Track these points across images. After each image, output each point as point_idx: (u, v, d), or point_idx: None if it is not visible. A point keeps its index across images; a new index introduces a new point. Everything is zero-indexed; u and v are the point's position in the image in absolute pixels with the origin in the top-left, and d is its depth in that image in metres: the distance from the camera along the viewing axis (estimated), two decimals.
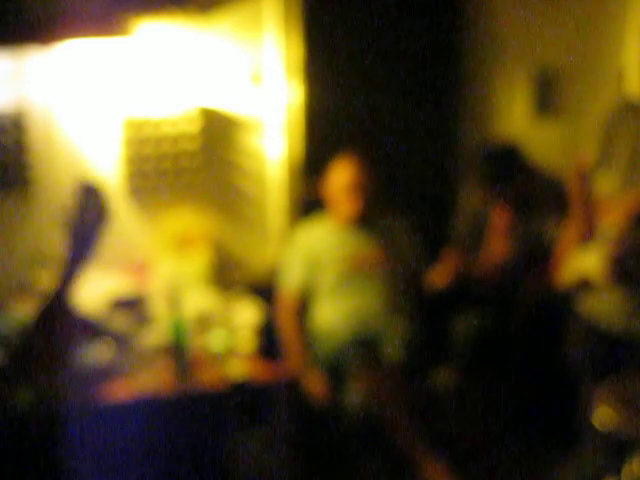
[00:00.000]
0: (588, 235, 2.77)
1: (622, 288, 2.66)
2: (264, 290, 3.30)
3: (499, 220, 3.42)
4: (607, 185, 2.73)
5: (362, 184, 3.23)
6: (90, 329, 2.83)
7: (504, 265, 3.37)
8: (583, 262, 2.78)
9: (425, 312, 3.33)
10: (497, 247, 3.41)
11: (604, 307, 2.71)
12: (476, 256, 3.45)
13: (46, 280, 3.15)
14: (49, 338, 2.00)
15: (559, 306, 2.95)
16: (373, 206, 3.29)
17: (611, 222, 2.68)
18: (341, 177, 3.24)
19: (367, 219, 3.30)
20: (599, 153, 2.76)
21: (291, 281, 3.27)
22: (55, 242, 3.28)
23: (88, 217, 1.97)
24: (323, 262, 3.28)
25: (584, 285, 2.78)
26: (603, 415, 2.29)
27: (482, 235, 3.47)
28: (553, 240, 3.32)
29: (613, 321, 2.69)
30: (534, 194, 3.41)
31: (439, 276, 3.30)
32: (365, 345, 3.09)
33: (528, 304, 3.27)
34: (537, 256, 3.32)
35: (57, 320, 1.98)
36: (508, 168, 3.36)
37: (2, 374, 2.17)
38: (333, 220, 3.31)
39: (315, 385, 3.09)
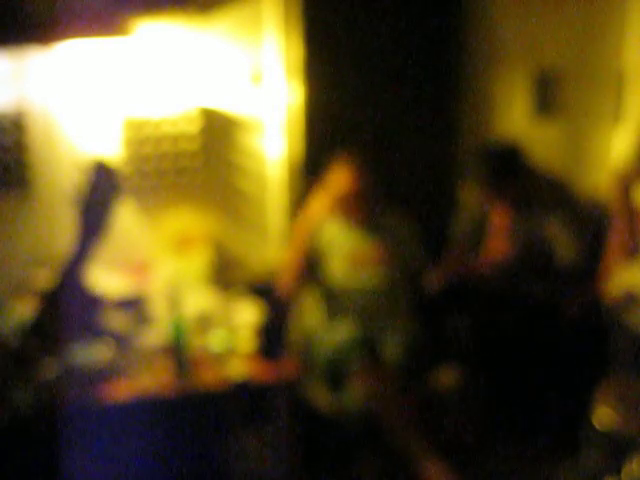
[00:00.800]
0: (634, 247, 2.73)
1: None
2: (264, 290, 3.31)
3: (499, 220, 3.42)
4: None
5: (364, 192, 3.23)
6: (97, 310, 2.81)
7: (504, 264, 3.37)
8: (630, 275, 2.75)
9: (425, 312, 3.33)
10: (497, 246, 3.41)
11: None
12: (476, 255, 3.45)
13: (46, 280, 3.16)
14: (58, 314, 2.01)
15: (605, 318, 2.90)
16: (374, 207, 3.29)
17: None
18: (342, 185, 3.23)
19: (368, 218, 3.30)
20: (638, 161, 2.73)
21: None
22: (55, 242, 3.30)
23: (100, 193, 1.97)
24: (324, 261, 3.28)
25: (631, 298, 2.75)
26: (603, 415, 2.29)
27: (482, 234, 3.47)
28: (553, 240, 3.33)
29: None
30: (534, 194, 3.41)
31: (439, 276, 3.30)
32: (365, 345, 3.09)
33: (574, 315, 3.23)
34: (536, 257, 3.32)
35: (66, 298, 1.99)
36: (508, 168, 3.36)
37: (2, 374, 2.18)
38: (333, 219, 3.31)
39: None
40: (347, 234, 3.31)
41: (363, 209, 3.27)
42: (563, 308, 3.25)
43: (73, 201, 1.94)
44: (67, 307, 1.93)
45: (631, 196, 2.74)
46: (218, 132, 3.47)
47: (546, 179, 3.55)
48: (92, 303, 2.67)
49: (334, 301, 3.27)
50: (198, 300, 3.11)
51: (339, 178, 3.24)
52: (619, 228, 2.78)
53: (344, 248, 3.28)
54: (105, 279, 3.17)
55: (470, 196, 3.57)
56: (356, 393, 2.98)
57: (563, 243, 3.31)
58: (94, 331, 2.82)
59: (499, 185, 3.35)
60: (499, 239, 3.40)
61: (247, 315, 3.05)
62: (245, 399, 2.79)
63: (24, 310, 2.94)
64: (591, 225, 3.30)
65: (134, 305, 3.06)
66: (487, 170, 3.36)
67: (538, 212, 3.35)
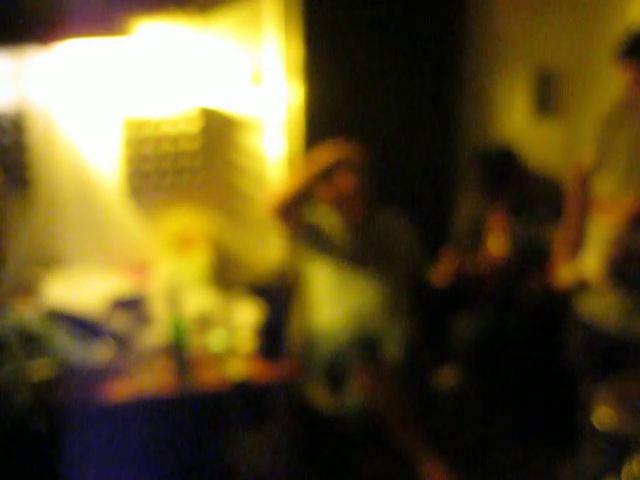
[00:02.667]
0: (583, 236, 2.78)
1: (619, 289, 2.66)
2: (264, 290, 3.31)
3: (497, 221, 3.42)
4: (605, 187, 2.73)
5: (363, 192, 3.24)
6: (90, 329, 2.83)
7: (502, 266, 3.37)
8: (580, 263, 2.78)
9: (425, 312, 3.33)
10: (495, 248, 3.41)
11: (602, 308, 2.72)
12: (475, 256, 3.45)
13: (46, 280, 3.16)
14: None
15: (558, 307, 2.95)
16: (373, 207, 3.30)
17: (609, 223, 2.69)
18: (342, 185, 3.23)
19: (367, 218, 3.31)
20: (597, 154, 2.77)
21: None
22: (55, 242, 3.30)
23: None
24: (322, 260, 3.28)
25: (582, 286, 2.79)
26: (603, 415, 2.29)
27: (480, 236, 3.48)
28: (551, 242, 3.33)
29: (611, 321, 2.70)
30: (531, 196, 3.42)
31: (439, 275, 3.31)
32: (365, 345, 3.09)
33: (526, 305, 3.27)
34: (535, 257, 3.32)
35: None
36: (505, 171, 3.37)
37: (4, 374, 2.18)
38: (333, 219, 3.31)
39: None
40: (345, 234, 3.31)
41: (362, 209, 3.28)
42: (517, 298, 3.28)
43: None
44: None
45: (587, 187, 2.79)
46: (218, 132, 3.47)
47: (543, 180, 3.56)
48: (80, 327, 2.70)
49: (332, 302, 3.27)
50: (198, 300, 3.11)
51: (340, 177, 3.24)
52: (572, 217, 2.82)
53: (342, 249, 3.28)
54: (105, 279, 3.17)
55: (468, 198, 3.58)
56: (356, 393, 2.98)
57: None
58: (94, 331, 2.83)
59: (496, 188, 3.36)
60: (497, 240, 3.41)
61: (247, 315, 3.05)
62: (245, 399, 2.79)
63: (24, 311, 2.94)
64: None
65: (134, 305, 3.06)
66: (483, 174, 3.38)
67: (536, 214, 3.36)
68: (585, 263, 2.77)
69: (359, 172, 3.25)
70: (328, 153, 3.15)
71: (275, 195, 3.18)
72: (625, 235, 2.62)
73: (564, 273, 2.90)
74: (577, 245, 2.85)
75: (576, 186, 2.87)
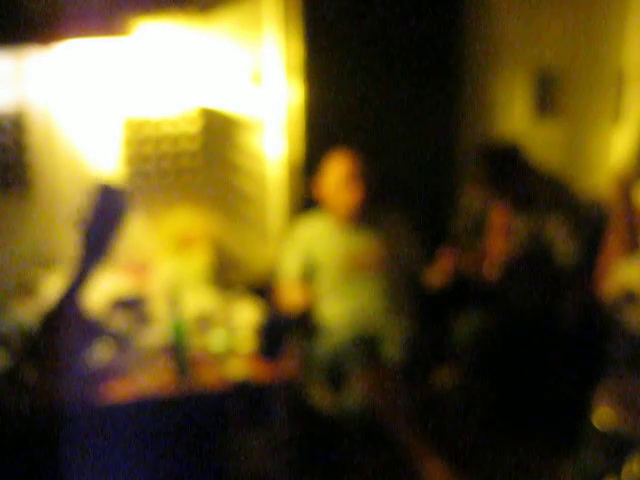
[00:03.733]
0: (633, 246, 2.74)
1: None
2: (264, 290, 3.31)
3: (499, 218, 3.42)
4: None
5: (360, 174, 3.24)
6: (93, 330, 2.83)
7: (503, 264, 3.37)
8: (627, 273, 2.75)
9: (425, 312, 3.33)
10: (496, 246, 3.41)
11: None
12: (475, 254, 3.45)
13: (46, 280, 3.16)
14: (55, 338, 1.97)
15: (603, 317, 2.91)
16: (372, 203, 3.29)
17: None
18: (338, 169, 3.25)
19: (366, 217, 3.31)
20: (639, 161, 2.74)
21: (290, 270, 3.30)
22: (55, 242, 3.30)
23: (105, 218, 1.91)
24: (322, 261, 3.28)
25: (629, 297, 2.76)
26: (603, 415, 2.29)
27: (481, 233, 3.47)
28: (552, 239, 3.33)
29: None
30: (534, 193, 3.41)
31: (438, 275, 3.30)
32: (365, 345, 3.09)
33: (572, 314, 3.24)
34: (536, 255, 3.32)
35: (65, 321, 1.95)
36: (509, 166, 3.36)
37: (3, 374, 2.17)
38: (332, 219, 3.31)
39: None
40: (345, 235, 3.31)
41: (361, 209, 3.27)
42: (562, 308, 3.25)
43: (76, 224, 1.88)
44: (64, 331, 1.90)
45: (631, 196, 2.75)
46: (218, 132, 3.47)
47: (546, 178, 3.55)
48: (89, 328, 2.68)
49: (333, 302, 3.27)
50: (198, 300, 3.11)
51: (336, 164, 3.25)
52: (618, 227, 2.79)
53: (342, 249, 3.28)
54: (105, 279, 3.17)
55: (470, 195, 3.57)
56: (356, 393, 2.98)
57: (562, 242, 3.31)
58: (94, 339, 2.82)
59: (499, 184, 3.35)
60: (499, 238, 3.40)
61: (247, 315, 3.05)
62: (245, 399, 2.79)
63: (24, 310, 2.94)
64: (590, 225, 3.31)
65: (134, 305, 3.06)
66: (488, 168, 3.36)
67: (538, 211, 3.35)
68: (632, 273, 2.73)
69: (355, 160, 3.25)
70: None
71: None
72: None
73: (611, 283, 2.85)
74: (626, 254, 2.81)
75: (619, 194, 2.82)
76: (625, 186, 2.78)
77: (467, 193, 3.60)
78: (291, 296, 3.28)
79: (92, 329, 2.80)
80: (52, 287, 3.10)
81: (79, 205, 1.83)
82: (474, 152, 3.66)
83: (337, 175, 3.25)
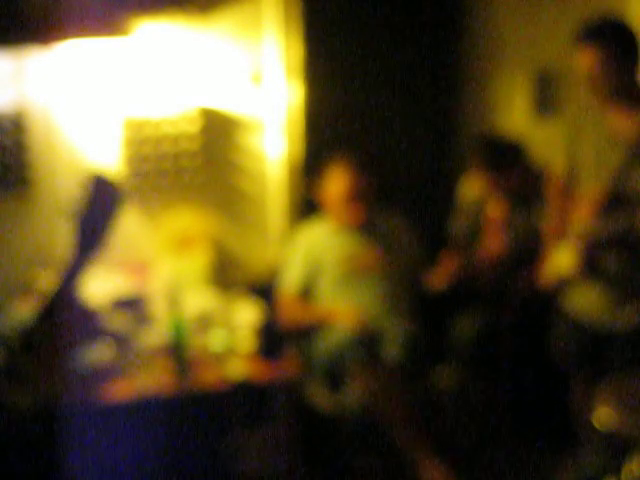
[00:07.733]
0: (564, 233, 2.80)
1: (598, 282, 2.68)
2: (264, 290, 3.30)
3: (495, 213, 3.41)
4: (579, 183, 2.77)
5: (363, 192, 3.23)
6: (93, 323, 2.82)
7: (500, 260, 3.37)
8: (559, 259, 2.80)
9: (425, 312, 3.33)
10: (493, 242, 3.40)
11: (584, 302, 2.74)
12: (473, 253, 3.44)
13: (46, 280, 3.16)
14: (52, 332, 1.97)
15: (547, 304, 2.96)
16: (371, 208, 3.29)
17: (579, 218, 2.71)
18: (341, 184, 3.23)
19: (367, 220, 3.30)
20: (569, 155, 2.80)
21: (291, 282, 3.28)
22: (55, 242, 3.30)
23: (98, 209, 1.91)
24: (323, 263, 3.28)
25: (562, 281, 2.80)
26: (603, 415, 2.29)
27: (479, 229, 3.47)
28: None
29: (594, 315, 2.71)
30: (532, 189, 3.40)
31: (438, 278, 3.30)
32: (365, 345, 3.09)
33: (516, 303, 3.27)
34: (533, 252, 3.32)
35: (62, 314, 1.95)
36: (508, 157, 3.34)
37: (2, 373, 2.17)
38: (333, 221, 3.31)
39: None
40: (346, 237, 3.30)
41: (361, 211, 3.27)
42: (507, 297, 3.28)
43: (71, 214, 1.89)
44: (61, 322, 1.90)
45: (566, 184, 2.81)
46: (218, 132, 3.47)
47: (544, 176, 3.55)
48: (86, 317, 2.68)
49: (333, 302, 3.26)
50: (198, 300, 3.11)
51: (338, 177, 3.24)
52: (553, 215, 2.86)
53: (343, 251, 3.28)
54: (105, 279, 3.17)
55: (467, 191, 3.56)
56: (356, 393, 2.98)
57: None
58: (93, 334, 2.82)
59: (498, 174, 3.32)
60: (494, 234, 3.40)
61: (247, 315, 3.05)
62: (245, 399, 2.79)
63: (24, 310, 2.94)
64: None
65: (134, 305, 3.06)
66: (487, 156, 3.33)
67: (534, 207, 3.34)
68: (562, 258, 2.78)
69: (359, 174, 3.25)
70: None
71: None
72: (592, 228, 2.65)
73: (547, 270, 2.91)
74: (559, 241, 2.87)
75: (556, 184, 2.90)
76: (560, 180, 2.83)
77: (464, 189, 3.58)
78: (290, 314, 3.26)
79: (90, 322, 2.80)
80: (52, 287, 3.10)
81: (74, 197, 1.84)
82: (475, 140, 3.64)
83: (340, 189, 3.23)
